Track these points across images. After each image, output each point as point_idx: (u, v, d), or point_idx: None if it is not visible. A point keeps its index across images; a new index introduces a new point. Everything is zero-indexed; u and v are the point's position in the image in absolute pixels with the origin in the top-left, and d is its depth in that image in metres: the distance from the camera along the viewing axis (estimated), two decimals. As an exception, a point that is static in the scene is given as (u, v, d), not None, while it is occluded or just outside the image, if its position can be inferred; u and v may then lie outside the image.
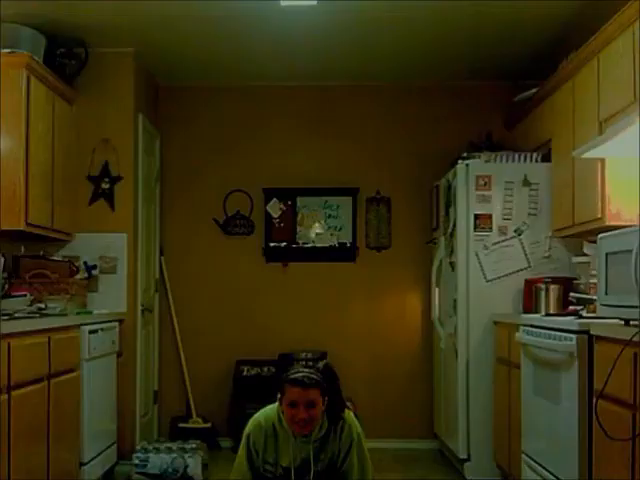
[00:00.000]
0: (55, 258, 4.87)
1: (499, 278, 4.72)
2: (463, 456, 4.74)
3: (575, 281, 4.30)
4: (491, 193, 4.74)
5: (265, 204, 5.79)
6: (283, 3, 4.25)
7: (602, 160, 3.79)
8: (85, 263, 4.94)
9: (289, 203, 5.79)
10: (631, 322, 2.81)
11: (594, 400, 2.91)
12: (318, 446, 3.01)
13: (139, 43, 4.99)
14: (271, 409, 3.09)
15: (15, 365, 3.19)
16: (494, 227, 4.74)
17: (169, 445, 4.81)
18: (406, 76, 5.71)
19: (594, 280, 3.61)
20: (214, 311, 5.78)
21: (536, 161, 4.79)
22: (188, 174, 5.87)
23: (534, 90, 5.01)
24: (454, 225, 4.85)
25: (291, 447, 2.99)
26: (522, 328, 3.95)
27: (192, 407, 5.67)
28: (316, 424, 2.97)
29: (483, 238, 4.74)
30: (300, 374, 2.95)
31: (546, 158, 4.75)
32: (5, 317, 3.47)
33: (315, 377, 2.95)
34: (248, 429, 3.11)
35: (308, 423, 2.92)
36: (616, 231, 3.09)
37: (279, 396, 3.00)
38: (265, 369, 5.47)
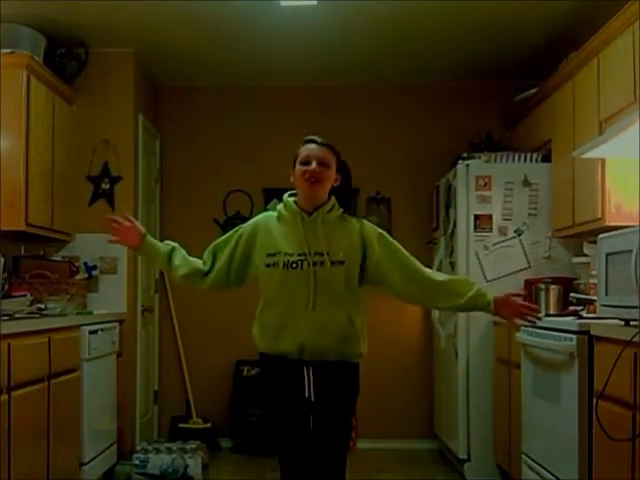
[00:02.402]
0: (55, 258, 4.87)
1: (499, 278, 4.72)
2: (463, 456, 4.74)
3: (575, 281, 4.30)
4: (491, 193, 4.74)
5: (265, 204, 5.79)
6: (283, 3, 4.25)
7: (602, 160, 3.79)
8: (85, 263, 4.94)
9: (289, 203, 5.78)
10: (631, 322, 2.81)
11: (594, 400, 2.91)
12: (329, 230, 2.78)
13: (139, 43, 4.99)
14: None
15: (15, 365, 3.19)
16: (494, 227, 4.74)
17: (169, 445, 4.81)
18: (406, 76, 5.71)
19: (594, 280, 3.61)
20: (214, 311, 5.77)
21: (536, 161, 4.79)
22: (188, 174, 5.87)
23: (534, 90, 5.01)
24: (454, 225, 4.85)
25: (299, 228, 2.75)
26: (522, 328, 3.95)
27: (192, 407, 5.67)
28: (326, 185, 2.78)
29: (483, 238, 4.74)
30: (315, 137, 2.85)
31: (546, 158, 4.75)
32: (5, 317, 3.47)
33: (331, 143, 2.84)
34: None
35: (319, 179, 2.73)
36: (616, 231, 3.10)
37: (292, 172, 2.82)
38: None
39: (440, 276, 2.89)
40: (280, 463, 2.76)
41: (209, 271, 2.99)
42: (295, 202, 2.82)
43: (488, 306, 2.72)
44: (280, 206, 2.87)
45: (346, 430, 2.80)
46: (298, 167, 2.78)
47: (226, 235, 2.96)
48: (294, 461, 2.71)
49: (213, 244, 2.98)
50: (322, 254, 2.71)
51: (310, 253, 2.71)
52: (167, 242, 3.02)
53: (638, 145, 3.24)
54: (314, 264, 2.70)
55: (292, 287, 2.70)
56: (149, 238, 2.94)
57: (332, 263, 2.72)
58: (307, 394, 2.70)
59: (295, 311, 2.70)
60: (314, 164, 2.75)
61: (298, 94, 5.88)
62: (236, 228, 2.95)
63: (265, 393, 2.80)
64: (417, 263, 2.88)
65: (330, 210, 2.82)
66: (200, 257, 3.04)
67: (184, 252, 3.01)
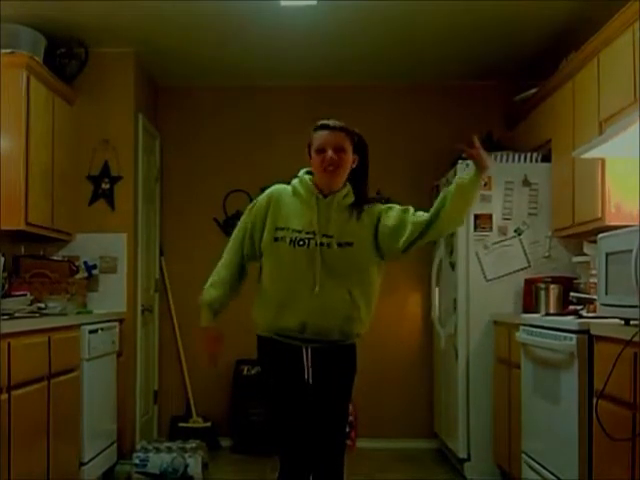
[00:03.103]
0: (55, 258, 4.87)
1: (499, 278, 4.72)
2: (463, 456, 4.74)
3: (575, 281, 4.31)
4: (491, 193, 4.75)
5: (265, 204, 5.79)
6: (283, 3, 4.25)
7: (602, 160, 3.79)
8: (85, 263, 4.94)
9: (289, 203, 5.79)
10: (631, 322, 2.81)
11: (594, 400, 2.91)
12: (342, 216, 2.79)
13: (139, 43, 4.99)
14: (291, 180, 2.92)
15: (15, 365, 3.19)
16: (494, 227, 4.74)
17: (169, 445, 4.81)
18: (406, 75, 5.71)
19: (594, 280, 3.62)
20: (214, 311, 5.77)
21: (536, 161, 4.79)
22: (188, 174, 5.87)
23: (534, 90, 5.01)
24: (454, 225, 4.85)
25: (313, 208, 2.77)
26: (522, 328, 3.95)
27: (192, 407, 5.67)
28: (345, 171, 2.79)
29: (483, 238, 4.74)
30: (329, 120, 2.82)
31: (546, 158, 4.75)
32: (5, 317, 3.48)
33: (345, 125, 2.82)
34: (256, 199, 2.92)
35: (337, 166, 2.74)
36: (616, 231, 3.10)
37: (308, 153, 2.83)
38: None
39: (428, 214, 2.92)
40: (280, 451, 2.74)
41: (243, 266, 2.95)
42: (311, 181, 2.80)
43: (472, 177, 2.82)
44: (296, 181, 2.87)
45: (344, 412, 2.79)
46: (314, 156, 2.77)
47: (242, 221, 2.94)
48: (293, 446, 2.70)
49: (233, 237, 2.95)
50: (330, 236, 2.71)
51: (318, 233, 2.70)
52: (211, 291, 3.11)
53: (638, 145, 3.24)
54: (321, 244, 2.70)
55: (297, 265, 2.69)
56: (216, 314, 3.09)
57: (339, 245, 2.72)
58: (306, 376, 2.69)
59: (299, 290, 2.69)
60: (330, 152, 2.74)
61: (298, 94, 5.88)
62: (250, 206, 2.95)
63: (264, 378, 2.78)
64: (410, 213, 2.96)
65: (345, 196, 2.83)
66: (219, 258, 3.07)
67: (216, 280, 3.11)
